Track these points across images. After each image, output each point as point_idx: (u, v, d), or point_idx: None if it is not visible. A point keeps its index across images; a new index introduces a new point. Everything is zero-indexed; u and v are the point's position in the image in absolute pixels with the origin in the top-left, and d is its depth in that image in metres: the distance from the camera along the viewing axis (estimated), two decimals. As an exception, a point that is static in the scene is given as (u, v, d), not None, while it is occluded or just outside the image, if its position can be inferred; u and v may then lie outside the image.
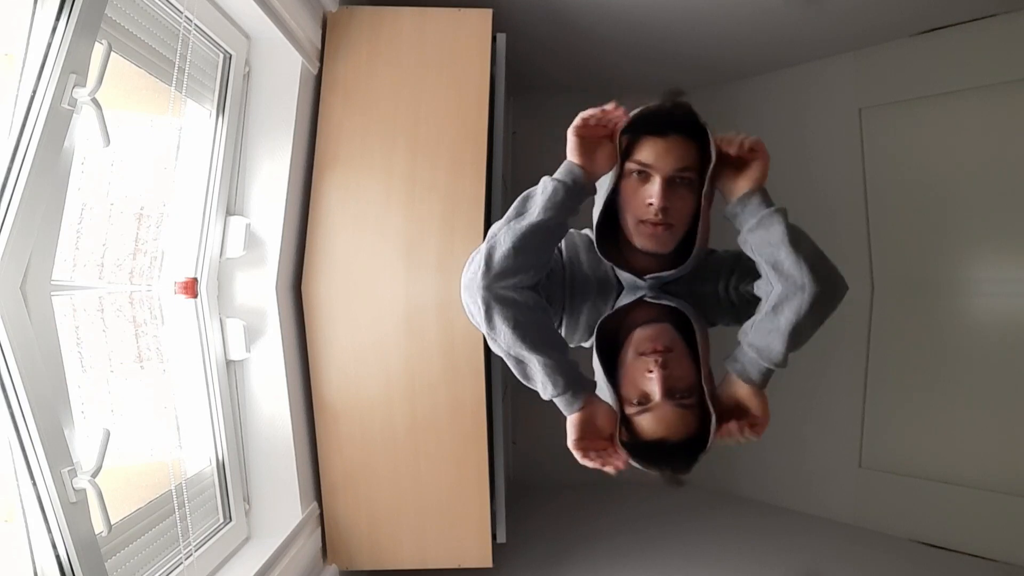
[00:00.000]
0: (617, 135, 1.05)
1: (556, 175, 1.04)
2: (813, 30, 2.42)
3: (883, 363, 2.50)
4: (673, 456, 0.79)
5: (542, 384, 0.91)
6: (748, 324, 0.99)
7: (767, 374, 0.86)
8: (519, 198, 1.06)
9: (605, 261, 1.12)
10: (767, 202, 1.02)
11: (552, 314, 1.12)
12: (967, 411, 2.28)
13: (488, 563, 1.79)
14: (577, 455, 0.81)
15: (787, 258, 0.98)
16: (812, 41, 2.53)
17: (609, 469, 0.79)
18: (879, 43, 2.49)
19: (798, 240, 0.99)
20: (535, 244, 1.02)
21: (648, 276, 1.10)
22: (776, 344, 0.89)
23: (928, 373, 2.41)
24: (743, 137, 1.02)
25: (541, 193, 1.03)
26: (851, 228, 2.57)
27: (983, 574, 2.11)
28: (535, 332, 1.04)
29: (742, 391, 0.84)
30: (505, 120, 1.98)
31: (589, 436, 0.83)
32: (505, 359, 0.98)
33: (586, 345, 1.04)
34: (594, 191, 1.08)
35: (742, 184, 1.02)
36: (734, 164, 1.03)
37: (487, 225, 1.73)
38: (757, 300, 1.05)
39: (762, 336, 0.92)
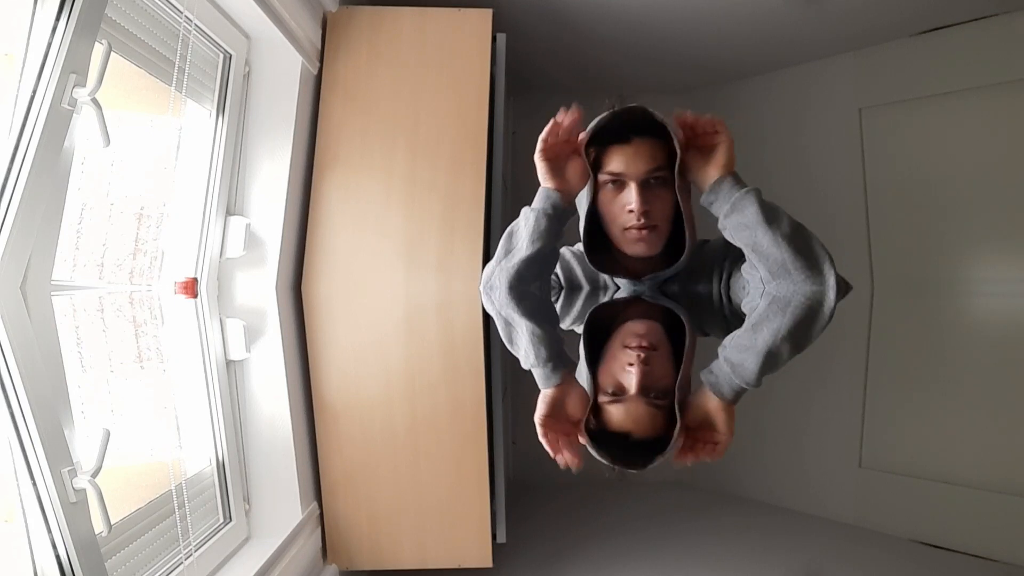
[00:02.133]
0: (582, 150, 1.05)
1: (535, 204, 1.04)
2: (813, 30, 2.42)
3: (883, 363, 2.50)
4: (632, 453, 0.79)
5: (525, 352, 0.92)
6: (728, 338, 0.98)
7: (739, 392, 0.84)
8: (504, 235, 1.07)
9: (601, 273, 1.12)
10: (739, 185, 1.00)
11: (552, 294, 1.14)
12: (967, 411, 2.28)
13: (488, 563, 1.79)
14: (539, 431, 0.81)
15: (764, 237, 0.96)
16: (812, 41, 2.53)
17: (560, 460, 0.78)
18: (879, 43, 2.49)
19: (772, 217, 0.97)
20: (530, 276, 1.04)
21: (646, 277, 1.10)
22: (750, 363, 0.88)
23: (928, 373, 2.41)
24: (698, 116, 1.01)
25: (524, 226, 1.04)
26: (851, 228, 2.57)
27: (983, 574, 2.11)
28: (530, 299, 1.05)
29: (712, 404, 0.83)
30: (505, 120, 1.98)
31: (557, 415, 0.83)
32: (495, 319, 1.00)
33: (577, 330, 1.05)
34: (575, 211, 1.09)
35: (712, 172, 1.01)
36: (700, 152, 1.02)
37: (487, 225, 1.73)
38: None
39: (738, 352, 0.91)
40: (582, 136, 1.05)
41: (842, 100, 2.61)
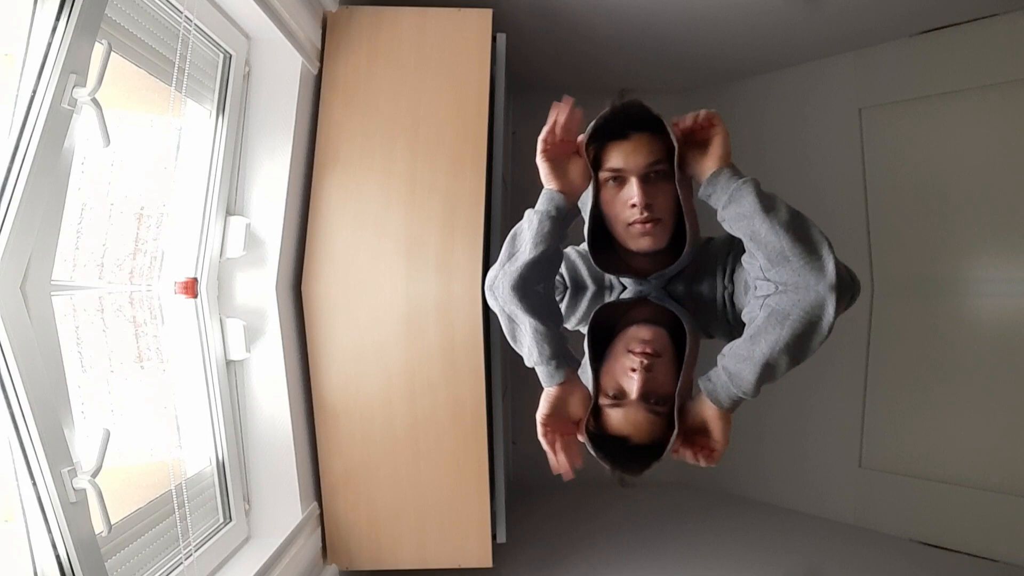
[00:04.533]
0: (583, 150, 1.05)
1: (538, 206, 1.05)
2: (813, 30, 2.42)
3: (883, 363, 2.50)
4: (630, 457, 0.79)
5: (528, 349, 0.92)
6: (727, 347, 0.98)
7: (736, 401, 0.84)
8: (508, 238, 1.07)
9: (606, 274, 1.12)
10: (736, 176, 1.00)
11: (556, 292, 1.14)
12: (967, 411, 2.28)
13: (488, 563, 1.79)
14: (540, 429, 0.81)
15: (762, 226, 0.96)
16: (812, 41, 2.53)
17: (554, 463, 0.79)
18: (879, 43, 2.49)
19: (770, 206, 0.97)
20: (534, 278, 1.04)
21: (651, 276, 1.10)
22: (747, 373, 0.87)
23: (928, 373, 2.42)
24: (695, 113, 1.02)
25: (528, 228, 1.04)
26: (851, 228, 2.57)
27: (983, 574, 2.11)
28: (533, 296, 1.05)
29: (709, 412, 0.83)
30: (505, 120, 1.98)
31: (558, 414, 0.83)
32: (499, 315, 1.00)
33: (582, 330, 1.05)
34: (578, 212, 1.09)
35: (709, 164, 1.01)
36: (697, 145, 1.03)
37: (487, 225, 1.73)
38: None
39: (736, 362, 0.91)
40: (581, 137, 1.06)
41: (842, 100, 2.61)
